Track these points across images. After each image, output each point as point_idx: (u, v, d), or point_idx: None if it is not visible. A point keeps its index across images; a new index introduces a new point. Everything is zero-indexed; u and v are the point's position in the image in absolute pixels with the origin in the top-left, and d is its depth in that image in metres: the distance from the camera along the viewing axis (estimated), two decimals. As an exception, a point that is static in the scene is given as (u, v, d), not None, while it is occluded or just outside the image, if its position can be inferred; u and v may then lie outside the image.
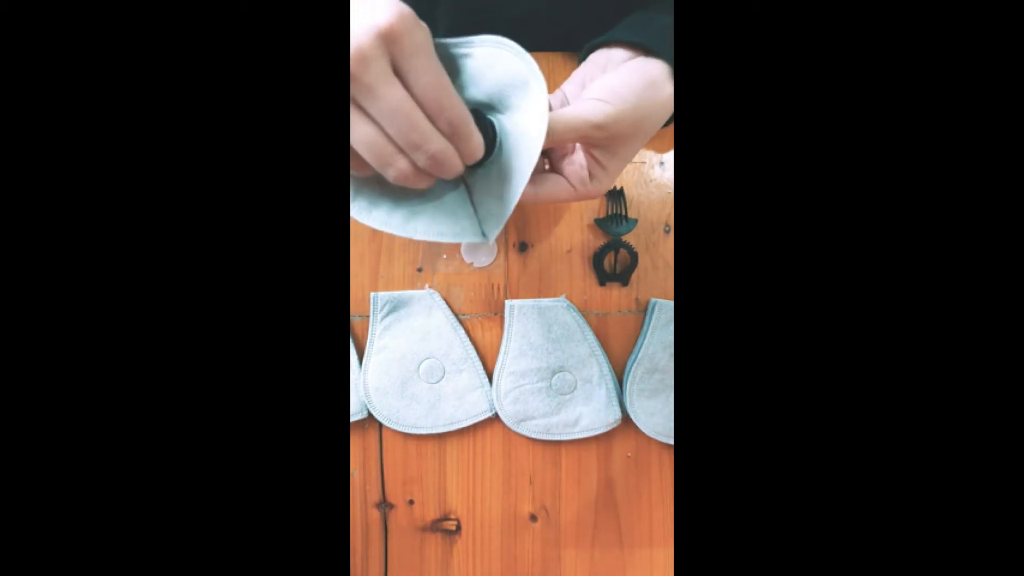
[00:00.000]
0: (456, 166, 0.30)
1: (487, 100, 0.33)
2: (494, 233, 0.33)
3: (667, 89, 0.33)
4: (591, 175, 0.35)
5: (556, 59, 0.47)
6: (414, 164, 0.29)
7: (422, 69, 0.27)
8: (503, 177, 0.33)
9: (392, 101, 0.27)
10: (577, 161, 0.36)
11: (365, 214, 0.34)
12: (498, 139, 0.33)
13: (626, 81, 0.33)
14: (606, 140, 0.33)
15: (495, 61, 0.32)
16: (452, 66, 0.33)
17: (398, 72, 0.27)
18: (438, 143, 0.28)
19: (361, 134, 0.28)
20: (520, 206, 0.46)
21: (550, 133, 0.30)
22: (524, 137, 0.31)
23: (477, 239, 0.34)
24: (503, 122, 0.33)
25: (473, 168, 0.34)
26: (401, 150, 0.29)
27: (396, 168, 0.29)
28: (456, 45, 0.32)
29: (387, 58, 0.26)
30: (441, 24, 0.49)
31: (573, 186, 0.35)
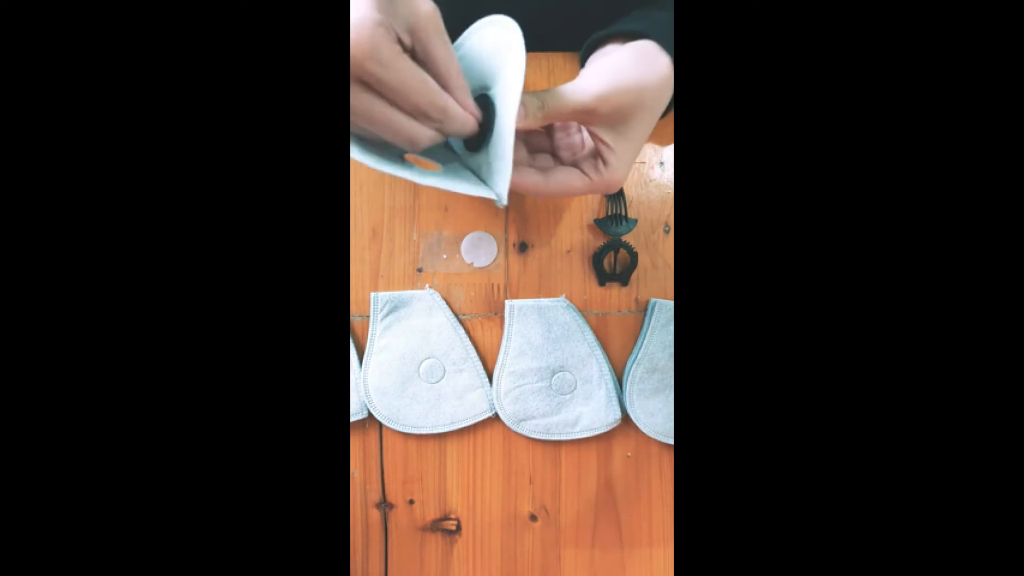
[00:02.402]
0: (467, 120, 0.32)
1: (482, 83, 0.34)
2: (504, 190, 0.32)
3: (661, 61, 0.34)
4: (604, 161, 0.35)
5: (556, 59, 0.47)
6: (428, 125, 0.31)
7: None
8: (499, 138, 0.33)
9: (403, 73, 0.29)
10: (588, 151, 0.36)
11: (392, 168, 0.33)
12: (495, 116, 0.33)
13: (618, 58, 0.34)
14: (610, 116, 0.33)
15: (482, 40, 0.33)
16: None
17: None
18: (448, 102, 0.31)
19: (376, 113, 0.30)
20: (521, 206, 0.46)
21: (550, 107, 0.31)
22: (507, 89, 0.31)
23: (491, 196, 0.33)
24: (495, 96, 0.33)
25: (476, 149, 0.34)
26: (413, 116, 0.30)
27: (415, 133, 0.31)
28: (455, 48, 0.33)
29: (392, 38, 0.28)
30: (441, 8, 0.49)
31: (587, 175, 0.35)
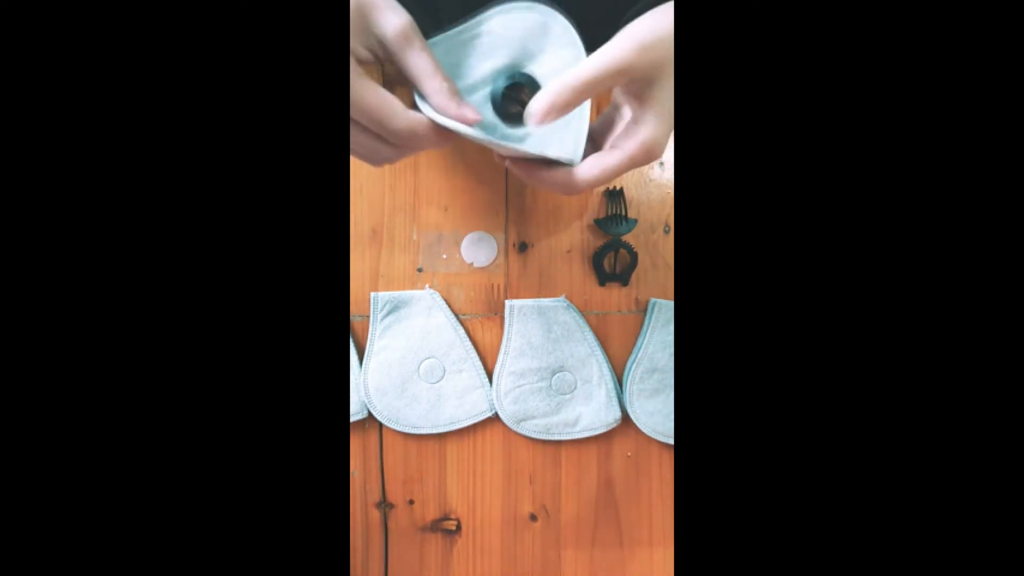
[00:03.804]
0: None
1: (512, 62, 0.35)
2: (580, 154, 0.34)
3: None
4: (639, 121, 0.32)
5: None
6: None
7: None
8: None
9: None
10: (621, 124, 0.34)
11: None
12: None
13: (650, 16, 0.32)
14: (647, 70, 0.31)
15: (508, 23, 0.35)
16: (462, 51, 0.35)
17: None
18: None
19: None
20: (521, 206, 0.46)
21: (581, 86, 0.30)
22: (565, 68, 0.34)
23: (567, 157, 0.33)
24: (536, 72, 0.35)
25: (520, 123, 0.36)
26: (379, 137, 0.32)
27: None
28: (463, 31, 0.35)
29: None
30: (445, 15, 0.49)
31: (622, 148, 0.32)
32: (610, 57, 0.30)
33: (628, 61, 0.30)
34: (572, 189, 0.33)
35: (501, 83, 0.36)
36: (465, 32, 0.35)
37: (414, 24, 0.32)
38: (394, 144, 0.32)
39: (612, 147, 0.33)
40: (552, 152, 0.32)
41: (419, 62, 0.32)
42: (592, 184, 0.33)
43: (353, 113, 0.30)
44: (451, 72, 0.36)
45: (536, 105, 0.30)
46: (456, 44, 0.35)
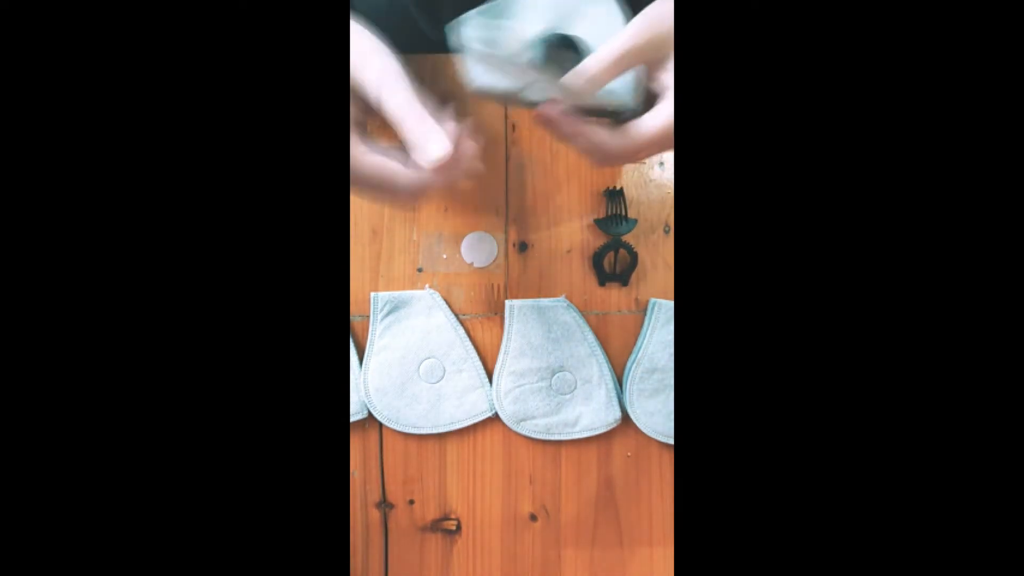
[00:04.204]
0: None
1: (549, 25, 0.36)
2: (636, 99, 0.35)
3: None
4: (661, 97, 0.33)
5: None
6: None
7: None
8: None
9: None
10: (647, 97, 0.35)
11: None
12: (584, 49, 0.36)
13: (651, 8, 0.33)
14: (655, 49, 0.32)
15: None
16: (497, 24, 0.36)
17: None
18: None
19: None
20: (521, 205, 0.46)
21: (595, 77, 0.32)
22: (603, 19, 0.35)
23: (628, 104, 0.34)
24: (575, 30, 0.36)
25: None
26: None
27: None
28: (495, 5, 0.35)
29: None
30: (447, 8, 0.49)
31: (656, 117, 0.33)
32: (614, 46, 0.31)
33: (631, 45, 0.31)
34: (604, 154, 0.33)
35: (540, 50, 0.35)
36: (498, 5, 0.35)
37: (388, 67, 0.31)
38: (412, 192, 0.32)
39: (644, 121, 0.33)
40: (611, 100, 0.33)
41: (395, 102, 0.31)
42: (625, 150, 0.33)
43: (360, 184, 0.30)
44: (490, 47, 0.36)
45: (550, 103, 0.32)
46: (489, 18, 0.35)
